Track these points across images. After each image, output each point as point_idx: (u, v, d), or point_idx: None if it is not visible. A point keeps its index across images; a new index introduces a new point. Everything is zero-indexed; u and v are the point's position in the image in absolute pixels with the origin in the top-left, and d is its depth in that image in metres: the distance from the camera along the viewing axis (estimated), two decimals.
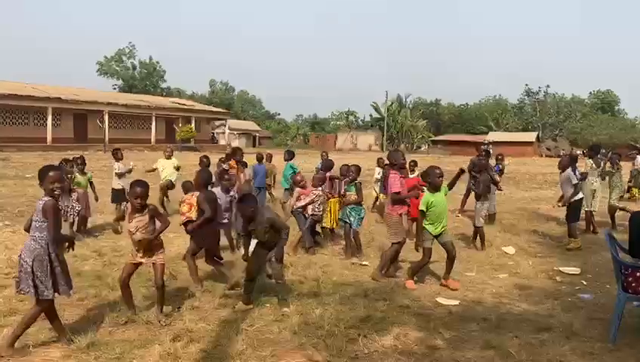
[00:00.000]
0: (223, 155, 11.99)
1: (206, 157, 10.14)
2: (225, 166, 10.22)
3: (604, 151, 15.17)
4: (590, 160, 10.81)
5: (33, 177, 4.59)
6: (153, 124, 42.99)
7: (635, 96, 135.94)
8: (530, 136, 61.86)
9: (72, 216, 8.64)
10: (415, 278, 6.56)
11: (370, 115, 76.79)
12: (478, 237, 8.89)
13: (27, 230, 4.40)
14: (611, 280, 6.23)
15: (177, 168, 11.52)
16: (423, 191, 6.77)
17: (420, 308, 5.67)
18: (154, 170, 11.77)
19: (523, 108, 75.34)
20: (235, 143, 57.58)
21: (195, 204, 6.57)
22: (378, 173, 12.20)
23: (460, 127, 76.61)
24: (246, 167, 11.03)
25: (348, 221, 7.98)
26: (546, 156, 57.48)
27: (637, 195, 15.20)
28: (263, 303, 5.62)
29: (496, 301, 6.10)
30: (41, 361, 4.18)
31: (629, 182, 12.97)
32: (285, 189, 11.36)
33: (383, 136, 64.65)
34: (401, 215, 6.93)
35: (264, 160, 12.21)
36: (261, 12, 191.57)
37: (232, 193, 7.76)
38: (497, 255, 8.44)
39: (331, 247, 8.59)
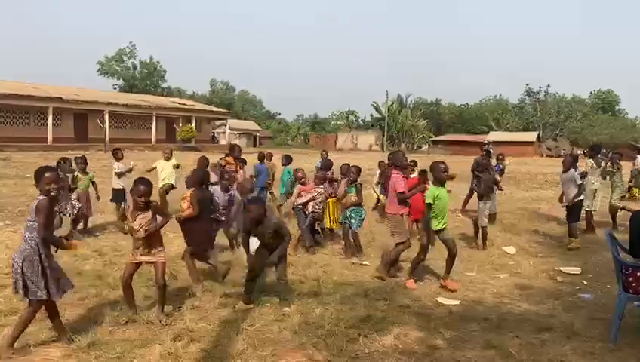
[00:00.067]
0: (224, 155, 11.95)
1: (205, 158, 10.09)
2: (221, 162, 10.19)
3: (604, 151, 15.16)
4: (591, 160, 10.80)
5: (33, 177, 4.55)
6: (154, 123, 42.99)
7: (636, 96, 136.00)
8: (531, 136, 61.85)
9: (70, 213, 8.65)
10: (415, 277, 6.55)
11: (371, 115, 76.85)
12: (482, 236, 8.88)
13: None
14: (612, 280, 6.23)
15: (177, 166, 11.42)
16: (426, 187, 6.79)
17: (420, 308, 5.67)
18: (153, 169, 11.72)
19: (523, 108, 75.34)
20: (236, 143, 57.70)
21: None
22: (378, 175, 12.14)
23: (461, 127, 76.61)
24: (245, 163, 10.98)
25: (348, 223, 7.97)
26: (547, 156, 57.47)
27: (637, 195, 15.19)
28: (264, 303, 5.62)
29: (496, 301, 6.09)
30: (42, 361, 4.18)
31: (630, 182, 12.97)
32: (281, 193, 11.33)
33: (384, 136, 64.64)
34: (402, 215, 6.94)
35: (265, 159, 12.19)
36: (261, 12, 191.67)
37: (231, 191, 7.76)
38: (498, 255, 8.44)
39: (331, 247, 8.59)
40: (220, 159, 10.96)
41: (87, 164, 9.71)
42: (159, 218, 5.16)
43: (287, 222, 8.31)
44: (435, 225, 6.35)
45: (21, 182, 15.90)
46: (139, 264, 5.17)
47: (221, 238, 8.01)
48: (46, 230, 4.23)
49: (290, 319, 5.15)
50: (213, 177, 8.28)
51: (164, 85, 77.11)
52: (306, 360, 4.33)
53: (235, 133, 60.48)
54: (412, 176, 10.25)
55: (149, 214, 5.04)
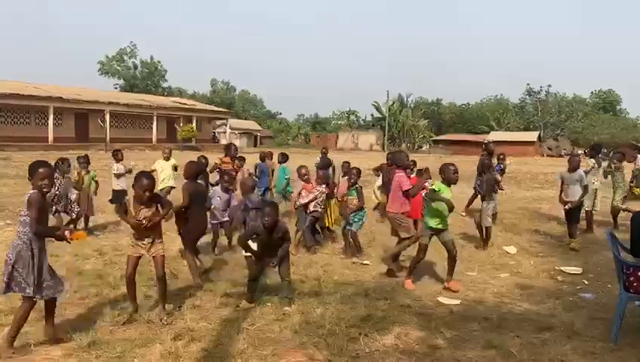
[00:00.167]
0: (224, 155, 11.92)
1: (204, 157, 10.08)
2: (216, 161, 10.13)
3: (605, 150, 15.14)
4: (592, 159, 10.78)
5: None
6: (154, 123, 43.00)
7: (637, 95, 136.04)
8: (532, 136, 61.83)
9: (73, 213, 8.67)
10: (412, 278, 6.54)
11: (372, 115, 76.92)
12: (485, 236, 8.85)
13: None
14: (613, 280, 6.23)
15: (175, 168, 11.36)
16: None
17: (421, 308, 5.67)
18: (153, 171, 11.65)
19: (524, 108, 75.36)
20: (237, 143, 57.68)
21: None
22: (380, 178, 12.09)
23: (462, 127, 76.62)
24: (244, 161, 10.95)
25: (350, 226, 7.96)
26: (548, 156, 57.47)
27: (638, 194, 15.12)
28: (264, 302, 5.62)
29: (497, 300, 6.09)
30: (42, 360, 4.17)
31: (631, 182, 12.94)
32: (277, 193, 11.30)
33: (385, 135, 64.65)
34: (404, 214, 6.95)
35: (267, 158, 12.18)
36: (262, 12, 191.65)
37: (231, 192, 7.75)
38: (499, 254, 8.43)
39: (332, 247, 8.58)
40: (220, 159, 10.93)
41: (89, 163, 9.71)
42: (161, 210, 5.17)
43: (287, 222, 8.30)
44: (431, 223, 6.34)
45: (22, 182, 15.88)
46: (139, 257, 5.16)
47: (221, 239, 8.03)
48: (38, 224, 4.19)
49: (290, 318, 5.15)
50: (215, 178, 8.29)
51: (165, 85, 77.28)
52: (307, 359, 4.33)
53: (236, 132, 60.47)
54: (411, 176, 10.26)
55: (153, 207, 5.04)
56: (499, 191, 11.33)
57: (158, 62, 74.74)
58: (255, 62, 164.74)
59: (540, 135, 63.71)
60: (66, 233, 4.47)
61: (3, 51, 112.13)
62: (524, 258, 8.24)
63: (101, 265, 7.10)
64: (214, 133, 56.36)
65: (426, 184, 7.16)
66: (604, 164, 11.41)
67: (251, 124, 71.87)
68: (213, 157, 10.69)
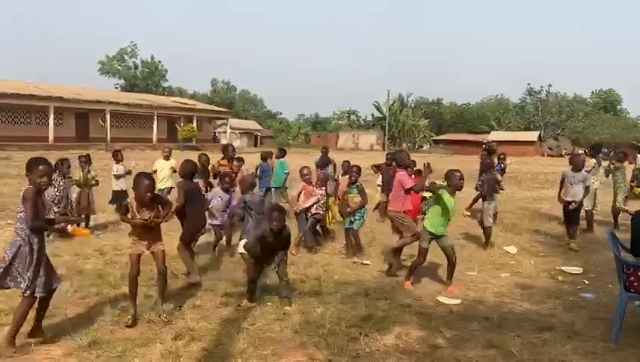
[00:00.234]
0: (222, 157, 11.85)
1: (205, 155, 10.05)
2: (214, 164, 10.06)
3: (605, 150, 15.12)
4: (593, 159, 10.78)
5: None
6: (155, 123, 43.00)
7: (638, 95, 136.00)
8: (532, 136, 61.82)
9: (72, 217, 8.67)
10: (412, 279, 6.53)
11: (372, 115, 76.93)
12: (486, 236, 8.86)
13: None
14: (613, 280, 6.23)
15: (174, 170, 11.27)
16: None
17: (421, 307, 5.66)
18: (155, 171, 11.61)
19: (525, 108, 75.38)
20: (237, 143, 57.66)
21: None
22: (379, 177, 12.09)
23: (462, 127, 76.63)
24: (243, 162, 10.93)
25: (351, 225, 7.96)
26: (548, 155, 57.44)
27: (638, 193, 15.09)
28: (265, 302, 5.61)
29: (497, 300, 6.09)
30: (43, 359, 4.17)
31: (632, 181, 12.92)
32: (275, 188, 11.26)
33: (385, 135, 64.65)
34: (405, 212, 6.96)
35: (268, 158, 12.19)
36: (262, 12, 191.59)
37: (232, 193, 7.72)
38: (499, 254, 8.43)
39: (333, 246, 8.58)
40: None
41: (91, 162, 9.70)
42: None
43: (288, 222, 8.29)
44: (429, 226, 6.33)
45: (23, 182, 15.85)
46: (140, 254, 5.12)
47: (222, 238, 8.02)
48: (34, 219, 4.16)
49: (291, 318, 5.15)
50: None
51: (166, 85, 77.30)
52: (307, 359, 4.33)
53: (236, 132, 60.47)
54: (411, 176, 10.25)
55: (155, 208, 5.01)
56: (499, 191, 11.33)
57: (159, 61, 74.84)
58: (255, 62, 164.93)
59: (540, 135, 63.71)
60: (69, 228, 4.45)
61: (3, 51, 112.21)
62: (525, 258, 8.24)
63: (102, 264, 7.10)
64: (215, 132, 56.37)
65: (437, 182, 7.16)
66: (605, 163, 11.41)
67: (252, 124, 71.86)
68: (214, 157, 10.68)
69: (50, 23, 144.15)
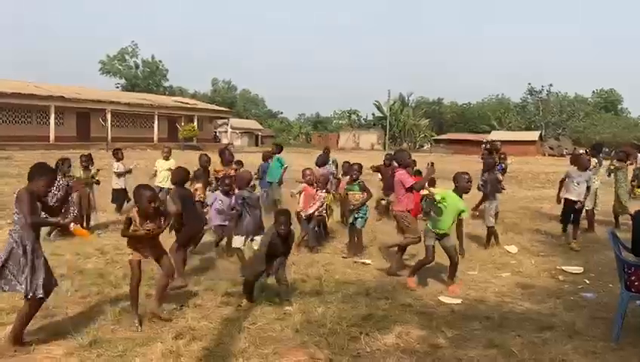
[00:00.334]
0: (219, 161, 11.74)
1: (206, 155, 10.03)
2: (212, 173, 9.94)
3: (606, 150, 15.11)
4: (594, 159, 10.77)
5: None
6: (156, 122, 42.98)
7: (638, 95, 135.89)
8: (533, 135, 61.76)
9: (71, 213, 8.67)
10: (416, 277, 6.54)
11: (373, 114, 76.90)
12: (487, 235, 8.89)
13: None
14: (614, 279, 6.22)
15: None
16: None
17: (422, 307, 5.67)
18: (155, 173, 11.54)
19: (526, 107, 75.30)
20: (238, 142, 57.74)
21: (200, 191, 7.18)
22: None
23: (463, 126, 76.62)
24: (242, 165, 10.90)
25: (354, 223, 7.97)
26: (549, 155, 57.39)
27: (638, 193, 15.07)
28: (266, 301, 5.62)
29: (498, 300, 6.09)
30: (44, 358, 4.18)
31: (633, 181, 12.92)
32: (270, 183, 11.24)
33: (386, 135, 64.65)
34: (409, 211, 6.97)
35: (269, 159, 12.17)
36: (262, 12, 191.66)
37: (232, 196, 7.68)
38: (500, 254, 8.43)
39: (334, 246, 8.58)
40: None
41: (93, 162, 9.69)
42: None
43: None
44: (432, 226, 6.33)
45: (23, 181, 15.82)
46: (140, 261, 5.12)
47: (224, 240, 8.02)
48: (32, 215, 4.14)
49: (291, 318, 5.15)
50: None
51: (166, 84, 77.25)
52: (308, 358, 4.33)
53: (237, 132, 60.52)
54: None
55: (158, 220, 4.96)
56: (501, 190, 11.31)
57: (160, 61, 74.80)
58: (256, 62, 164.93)
59: (541, 134, 63.63)
60: (71, 225, 4.45)
61: (3, 51, 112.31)
62: (526, 257, 8.23)
63: (102, 263, 7.10)
64: (215, 132, 56.38)
65: (432, 189, 7.17)
66: (606, 163, 11.40)
67: (252, 124, 71.85)
68: (215, 157, 10.67)
69: (50, 23, 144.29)
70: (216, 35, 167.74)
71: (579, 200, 8.85)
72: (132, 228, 4.84)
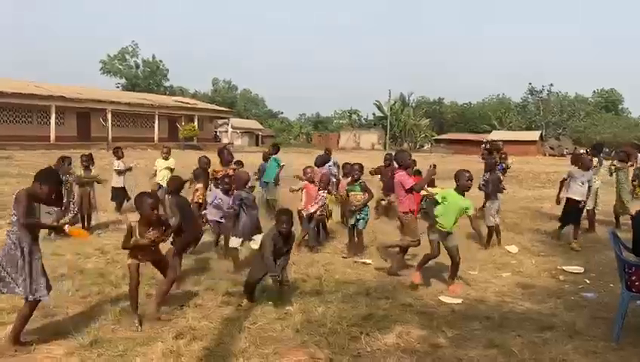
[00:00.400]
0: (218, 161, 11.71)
1: (206, 157, 10.02)
2: (212, 172, 9.94)
3: (607, 150, 15.10)
4: (594, 159, 10.76)
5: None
6: (156, 122, 42.97)
7: (639, 95, 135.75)
8: (534, 135, 61.73)
9: (71, 213, 8.69)
10: (420, 273, 6.49)
11: (373, 114, 76.90)
12: (488, 235, 8.88)
13: None
14: (615, 279, 6.22)
15: (171, 170, 11.22)
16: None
17: (422, 307, 5.66)
18: (155, 173, 11.54)
19: (526, 107, 75.27)
20: (238, 142, 57.74)
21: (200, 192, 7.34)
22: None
23: (463, 126, 76.60)
24: (242, 165, 10.90)
25: (355, 224, 7.96)
26: (550, 155, 57.36)
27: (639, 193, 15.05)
28: (266, 301, 5.61)
29: (499, 299, 6.09)
30: (44, 358, 4.18)
31: (634, 181, 12.90)
32: (266, 183, 11.24)
33: (386, 134, 64.64)
34: (412, 211, 6.97)
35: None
36: (263, 12, 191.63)
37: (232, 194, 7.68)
38: (500, 254, 8.43)
39: (334, 246, 8.58)
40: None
41: (93, 162, 9.69)
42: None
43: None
44: (438, 223, 6.34)
45: (24, 181, 15.88)
46: (139, 264, 5.10)
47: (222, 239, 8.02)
48: (27, 216, 4.14)
49: (292, 317, 5.15)
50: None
51: (167, 84, 77.24)
52: (308, 358, 4.33)
53: (238, 131, 60.50)
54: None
55: (160, 228, 4.94)
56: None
57: (160, 61, 74.79)
58: (256, 62, 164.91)
59: (541, 134, 63.61)
60: (66, 227, 4.44)
61: (3, 51, 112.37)
62: (526, 257, 8.23)
63: (103, 263, 7.10)
64: (216, 132, 56.37)
65: (431, 190, 7.17)
66: (606, 163, 11.39)
67: (253, 124, 71.84)
68: (215, 157, 10.68)
69: (50, 23, 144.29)
70: (216, 35, 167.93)
71: (582, 200, 8.86)
72: (133, 239, 4.80)
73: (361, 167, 8.39)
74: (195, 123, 45.68)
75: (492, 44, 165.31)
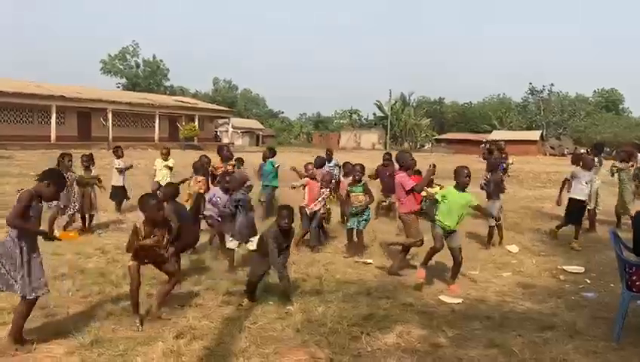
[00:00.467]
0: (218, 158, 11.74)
1: (206, 156, 10.01)
2: (211, 168, 9.98)
3: (607, 149, 15.08)
4: (595, 158, 10.75)
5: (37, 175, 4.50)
6: (157, 122, 42.98)
7: None
8: (534, 135, 61.73)
9: (71, 210, 8.70)
10: (425, 269, 6.47)
11: (374, 114, 76.94)
12: (488, 235, 8.91)
13: None
14: (615, 279, 6.22)
15: (170, 168, 11.16)
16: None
17: (423, 306, 5.66)
18: (155, 172, 11.56)
19: (527, 107, 75.24)
20: (239, 142, 57.75)
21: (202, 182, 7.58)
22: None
23: (464, 126, 76.59)
24: (242, 163, 10.90)
25: (358, 226, 7.96)
26: (550, 155, 57.34)
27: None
28: (267, 301, 5.61)
29: (499, 299, 6.08)
30: (45, 358, 4.18)
31: (634, 181, 12.89)
32: (264, 186, 11.27)
33: (387, 134, 64.63)
34: (413, 212, 6.97)
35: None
36: (263, 12, 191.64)
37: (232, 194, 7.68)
38: (501, 253, 8.43)
39: (334, 245, 8.58)
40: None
41: (94, 162, 9.68)
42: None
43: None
44: (440, 221, 6.33)
45: (24, 181, 15.91)
46: (139, 265, 5.09)
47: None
48: (17, 217, 4.12)
49: (292, 317, 5.15)
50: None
51: (167, 84, 77.30)
52: (309, 357, 4.33)
53: (238, 131, 60.50)
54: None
55: (165, 229, 4.94)
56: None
57: (161, 61, 74.84)
58: (256, 62, 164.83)
59: (542, 134, 63.60)
60: (55, 232, 4.42)
61: (3, 51, 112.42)
62: (527, 257, 8.23)
63: (103, 263, 7.10)
64: (216, 132, 56.37)
65: (430, 190, 7.19)
66: (607, 163, 11.38)
67: (253, 123, 71.86)
68: (215, 157, 10.68)
69: (51, 22, 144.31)
70: (216, 35, 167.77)
71: (586, 200, 8.88)
72: (139, 237, 4.81)
73: (362, 168, 8.36)
74: (196, 123, 45.69)
75: (492, 44, 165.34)
